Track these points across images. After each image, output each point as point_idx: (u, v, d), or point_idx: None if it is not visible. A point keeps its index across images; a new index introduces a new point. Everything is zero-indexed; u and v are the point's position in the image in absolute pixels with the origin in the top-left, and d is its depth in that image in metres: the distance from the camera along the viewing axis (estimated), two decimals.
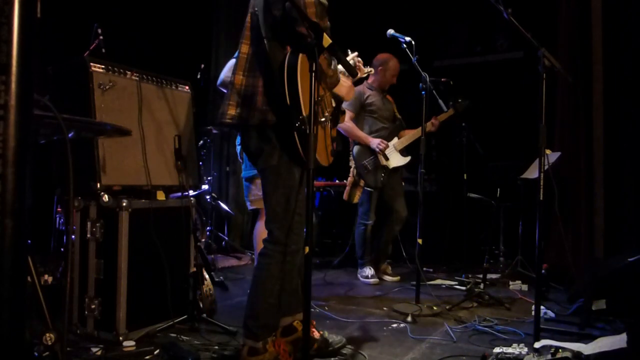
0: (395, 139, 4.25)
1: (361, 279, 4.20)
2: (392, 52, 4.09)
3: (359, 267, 4.27)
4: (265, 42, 1.99)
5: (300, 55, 1.94)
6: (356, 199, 4.21)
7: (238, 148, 3.35)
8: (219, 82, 3.18)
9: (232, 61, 3.11)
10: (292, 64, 1.93)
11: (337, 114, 2.37)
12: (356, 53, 2.54)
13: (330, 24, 2.09)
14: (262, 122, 2.01)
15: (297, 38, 1.93)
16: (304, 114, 1.90)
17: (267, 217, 2.12)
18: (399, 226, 4.27)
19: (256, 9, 2.05)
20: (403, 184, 4.44)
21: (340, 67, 2.31)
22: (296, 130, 1.92)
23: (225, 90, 3.12)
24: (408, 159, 4.23)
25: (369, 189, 4.16)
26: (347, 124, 4.08)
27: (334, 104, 2.33)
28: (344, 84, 2.28)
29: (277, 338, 2.18)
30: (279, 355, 2.11)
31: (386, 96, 4.35)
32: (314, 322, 2.35)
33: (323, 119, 2.16)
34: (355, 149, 4.18)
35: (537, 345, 2.20)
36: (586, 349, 2.11)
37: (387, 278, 4.28)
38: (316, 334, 2.31)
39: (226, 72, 3.14)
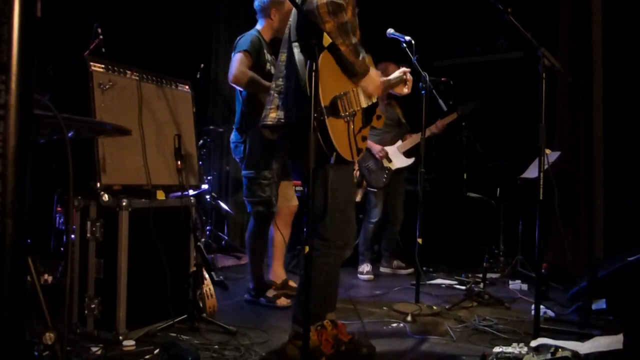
0: (400, 142, 4.46)
1: (358, 274, 4.33)
2: (392, 51, 4.09)
3: (359, 263, 4.41)
4: (293, 45, 2.18)
5: (322, 53, 2.00)
6: (357, 199, 4.40)
7: (232, 145, 3.30)
8: (230, 77, 3.06)
9: (239, 55, 3.08)
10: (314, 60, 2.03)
11: (369, 115, 2.35)
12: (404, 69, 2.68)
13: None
14: (296, 119, 2.14)
15: (317, 38, 2.05)
16: (322, 104, 2.01)
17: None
18: (398, 225, 4.53)
19: (291, 19, 2.25)
20: (405, 185, 4.62)
21: (392, 76, 2.56)
22: (315, 120, 1.98)
23: (236, 86, 3.12)
24: (411, 160, 4.38)
25: (372, 189, 4.30)
26: None
27: (364, 104, 2.29)
28: (374, 79, 2.27)
29: (322, 329, 2.23)
30: (321, 344, 2.17)
31: (391, 102, 4.48)
32: (344, 326, 2.38)
33: (345, 114, 2.14)
34: None
35: (533, 343, 2.20)
36: (582, 347, 2.11)
37: (402, 272, 4.52)
38: (345, 337, 2.31)
39: (237, 66, 3.04)
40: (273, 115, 2.23)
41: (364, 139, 2.32)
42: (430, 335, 2.66)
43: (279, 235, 3.34)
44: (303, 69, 2.09)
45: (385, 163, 4.32)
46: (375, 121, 2.44)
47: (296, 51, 2.16)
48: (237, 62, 3.06)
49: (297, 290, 2.31)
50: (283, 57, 2.27)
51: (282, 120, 2.20)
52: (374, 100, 2.39)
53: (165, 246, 2.60)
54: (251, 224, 3.28)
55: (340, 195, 2.21)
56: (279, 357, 2.24)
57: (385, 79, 2.51)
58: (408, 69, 2.66)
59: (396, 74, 2.62)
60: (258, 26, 3.29)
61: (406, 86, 2.65)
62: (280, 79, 2.26)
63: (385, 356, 2.38)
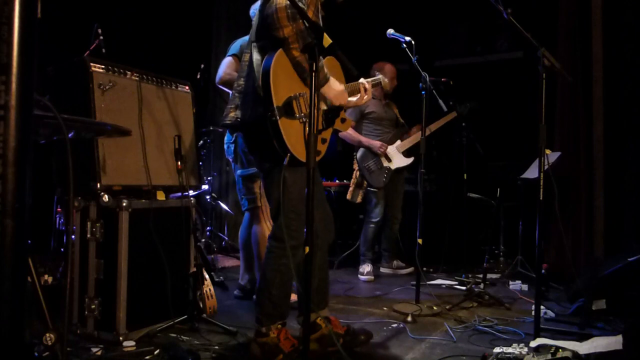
0: (398, 142, 4.44)
1: (358, 274, 4.34)
2: (392, 52, 4.10)
3: (360, 263, 4.42)
4: (252, 46, 2.18)
5: (277, 53, 2.05)
6: (359, 199, 4.43)
7: (225, 146, 3.36)
8: (217, 79, 3.20)
9: (228, 59, 3.18)
10: (269, 60, 2.06)
11: (331, 118, 2.34)
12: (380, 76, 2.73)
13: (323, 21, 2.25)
14: (253, 120, 2.13)
15: (274, 41, 2.07)
16: (274, 105, 2.02)
17: (270, 213, 2.32)
18: (397, 226, 4.54)
19: (254, 19, 2.26)
20: (405, 185, 4.63)
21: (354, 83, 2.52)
22: (267, 121, 2.03)
23: (224, 88, 3.20)
24: (411, 160, 4.39)
25: (372, 189, 4.31)
26: (349, 131, 4.20)
27: (323, 106, 2.30)
28: (334, 88, 2.24)
29: (283, 327, 2.27)
30: (280, 342, 2.20)
31: (388, 102, 4.48)
32: (337, 319, 2.43)
33: (300, 115, 2.12)
34: (360, 152, 4.41)
35: (532, 344, 2.20)
36: (581, 347, 2.11)
37: (402, 271, 4.52)
38: (340, 329, 2.35)
39: (224, 69, 3.16)
40: (232, 114, 2.22)
41: (324, 141, 2.30)
42: (431, 336, 2.66)
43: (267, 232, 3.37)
44: (259, 69, 2.08)
45: (385, 163, 4.32)
46: (340, 124, 2.40)
47: (254, 52, 2.16)
48: (224, 65, 3.19)
49: (257, 290, 2.32)
50: (246, 57, 2.24)
51: (239, 120, 2.19)
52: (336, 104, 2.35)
53: (165, 247, 2.61)
54: (245, 223, 3.33)
55: (295, 197, 2.17)
56: (244, 355, 2.27)
57: (349, 84, 2.45)
58: (367, 82, 2.54)
59: (360, 80, 2.55)
60: None
61: (358, 96, 2.52)
62: (242, 79, 2.24)
63: (385, 356, 2.38)
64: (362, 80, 2.53)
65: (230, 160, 3.34)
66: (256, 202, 3.22)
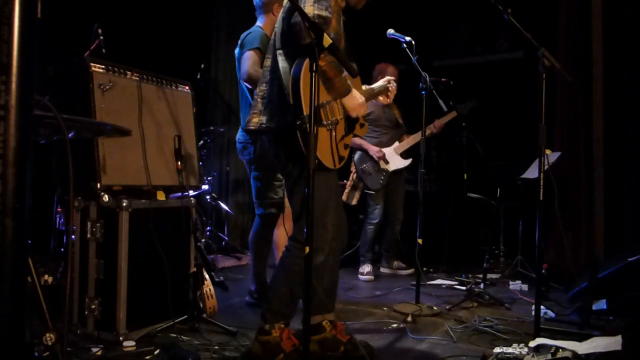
0: (397, 143, 4.45)
1: (358, 274, 4.35)
2: (392, 52, 4.11)
3: (360, 263, 4.43)
4: (277, 52, 2.19)
5: (306, 60, 2.05)
6: (354, 202, 4.44)
7: (240, 146, 3.20)
8: (243, 75, 3.00)
9: (250, 53, 3.00)
10: (298, 67, 2.07)
11: (351, 123, 2.38)
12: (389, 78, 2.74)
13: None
14: (277, 126, 2.16)
15: (302, 49, 2.07)
16: (304, 113, 2.02)
17: (292, 216, 2.32)
18: (398, 226, 4.53)
19: (276, 26, 2.26)
20: (405, 186, 4.63)
21: (376, 85, 2.63)
22: (297, 129, 2.03)
23: (248, 85, 3.06)
24: (408, 161, 4.40)
25: (368, 191, 4.32)
26: None
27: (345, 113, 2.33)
28: (355, 98, 2.28)
29: (286, 327, 2.27)
30: (282, 342, 2.20)
31: (388, 104, 4.47)
32: (343, 326, 2.40)
33: (328, 123, 2.18)
34: (357, 154, 4.43)
35: (532, 344, 2.20)
36: (581, 347, 2.11)
37: (403, 272, 4.53)
38: (344, 337, 2.32)
39: (249, 64, 2.97)
40: (255, 120, 2.24)
41: (346, 146, 2.34)
42: (431, 336, 2.66)
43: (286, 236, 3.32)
44: (287, 77, 2.11)
45: (382, 165, 4.33)
46: (359, 129, 2.46)
47: (280, 59, 2.17)
48: (249, 60, 2.99)
49: (268, 287, 2.35)
50: (268, 62, 2.27)
51: (264, 125, 2.21)
52: (353, 116, 2.40)
53: (166, 247, 2.60)
54: (256, 226, 3.22)
55: (317, 202, 2.13)
56: (245, 353, 2.27)
57: (369, 87, 2.54)
58: (392, 77, 2.71)
59: (380, 83, 2.66)
60: (259, 23, 3.21)
61: (388, 96, 2.70)
62: (264, 84, 2.26)
63: (386, 356, 2.38)
64: (378, 83, 2.64)
65: (246, 160, 3.20)
66: (281, 209, 3.11)
